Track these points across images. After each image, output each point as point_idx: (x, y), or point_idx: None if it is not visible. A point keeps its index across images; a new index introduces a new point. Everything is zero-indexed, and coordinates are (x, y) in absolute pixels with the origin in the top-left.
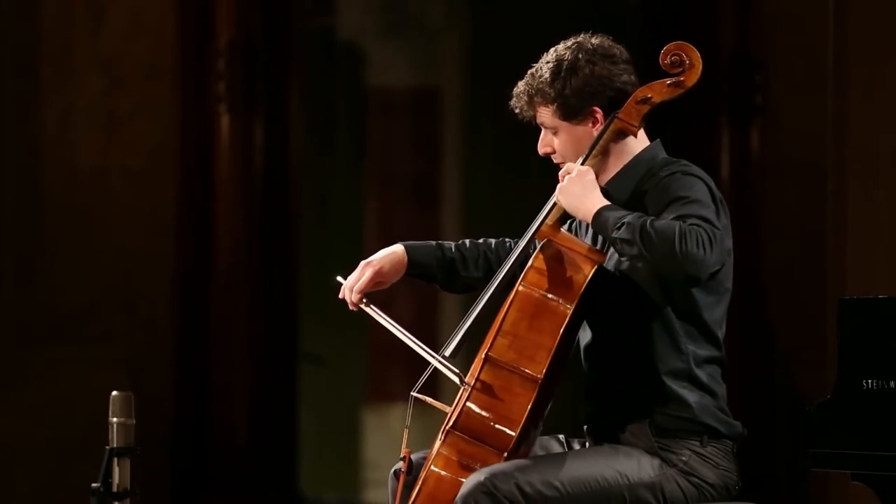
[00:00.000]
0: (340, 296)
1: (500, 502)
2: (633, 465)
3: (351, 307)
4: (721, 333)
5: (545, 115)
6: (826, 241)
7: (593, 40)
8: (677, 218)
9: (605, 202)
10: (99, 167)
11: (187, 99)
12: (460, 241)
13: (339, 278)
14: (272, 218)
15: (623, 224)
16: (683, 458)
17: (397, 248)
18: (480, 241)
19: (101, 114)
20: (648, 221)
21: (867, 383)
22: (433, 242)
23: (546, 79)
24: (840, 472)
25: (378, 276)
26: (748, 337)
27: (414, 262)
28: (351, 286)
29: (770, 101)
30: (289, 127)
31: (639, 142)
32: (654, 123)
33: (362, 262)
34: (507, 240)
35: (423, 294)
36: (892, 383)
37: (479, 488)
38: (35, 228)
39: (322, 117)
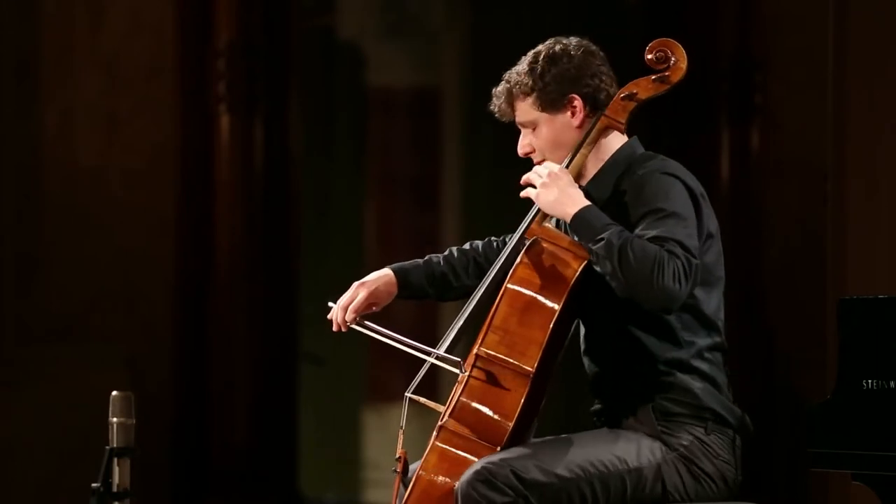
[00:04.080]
0: (330, 316)
1: (498, 489)
2: (632, 450)
3: (339, 327)
4: (720, 320)
5: (524, 109)
6: (826, 241)
7: (570, 38)
8: (654, 238)
9: (585, 203)
10: (99, 167)
11: (187, 99)
12: (447, 252)
13: (331, 304)
14: (272, 218)
15: (602, 240)
16: (684, 444)
17: (388, 272)
18: (467, 246)
19: (101, 114)
20: (628, 244)
21: (867, 383)
22: (421, 261)
23: (524, 70)
24: (840, 472)
25: (372, 298)
26: (748, 337)
27: (405, 286)
28: (345, 306)
29: (770, 101)
30: (289, 127)
31: (616, 139)
32: (655, 123)
33: (356, 284)
34: (493, 239)
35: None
36: (892, 383)
37: (476, 476)
38: (35, 228)
39: (322, 117)
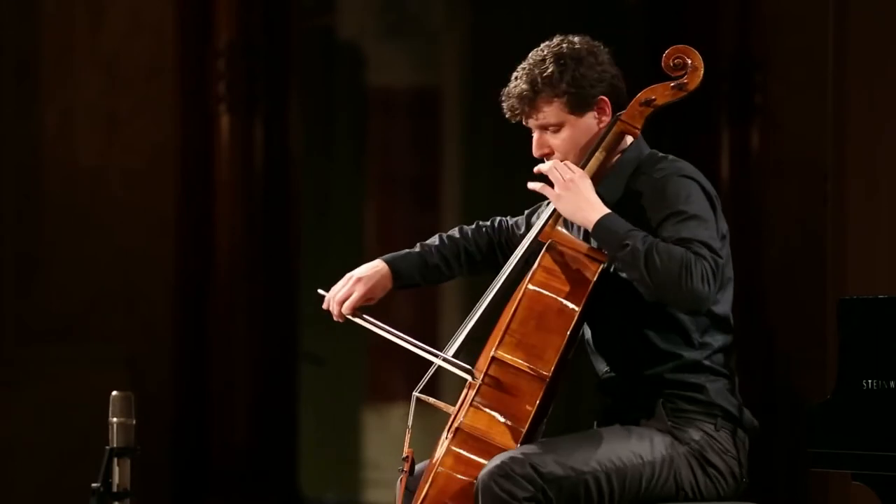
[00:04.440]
0: (325, 306)
1: (518, 483)
2: (645, 445)
3: (337, 318)
4: (731, 320)
5: (550, 111)
6: (826, 241)
7: (577, 37)
8: (679, 241)
9: (605, 210)
10: (99, 167)
11: (187, 99)
12: (438, 241)
13: (322, 291)
14: (272, 218)
15: (627, 246)
16: (695, 438)
17: (383, 267)
18: (456, 233)
19: (101, 114)
20: (653, 248)
21: (867, 383)
22: (414, 252)
23: (552, 72)
24: (840, 472)
25: (369, 293)
26: (748, 337)
27: (398, 278)
28: (341, 300)
29: (770, 101)
30: (289, 127)
31: (625, 140)
32: (655, 123)
33: (351, 277)
34: (482, 224)
35: (423, 295)
36: (892, 383)
37: (497, 471)
38: (35, 228)
39: (322, 117)
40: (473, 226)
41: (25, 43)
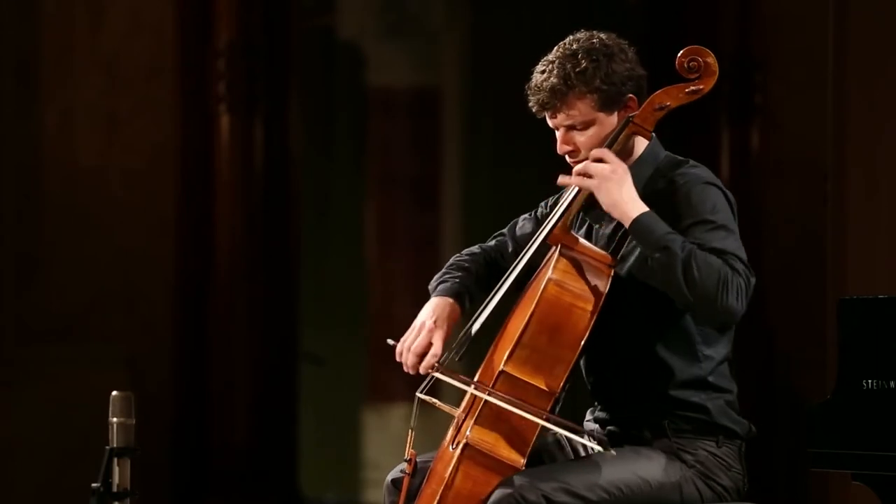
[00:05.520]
0: (399, 358)
1: None
2: (654, 468)
3: (419, 371)
4: (734, 330)
5: (581, 108)
6: (826, 241)
7: (604, 34)
8: (713, 251)
9: (645, 208)
10: (99, 167)
11: (187, 99)
12: (459, 273)
13: (391, 341)
14: (272, 218)
15: (666, 248)
16: (700, 459)
17: (448, 303)
18: (459, 262)
19: (101, 114)
20: (692, 256)
21: (867, 383)
22: (457, 279)
23: (585, 67)
24: (840, 472)
25: (447, 339)
26: (748, 337)
27: (464, 307)
28: (419, 352)
29: (770, 101)
30: (289, 127)
31: (639, 141)
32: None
33: (423, 325)
34: (472, 251)
35: (423, 296)
36: (892, 383)
37: (507, 500)
38: (35, 228)
39: (322, 117)
40: (466, 256)
41: (25, 43)
